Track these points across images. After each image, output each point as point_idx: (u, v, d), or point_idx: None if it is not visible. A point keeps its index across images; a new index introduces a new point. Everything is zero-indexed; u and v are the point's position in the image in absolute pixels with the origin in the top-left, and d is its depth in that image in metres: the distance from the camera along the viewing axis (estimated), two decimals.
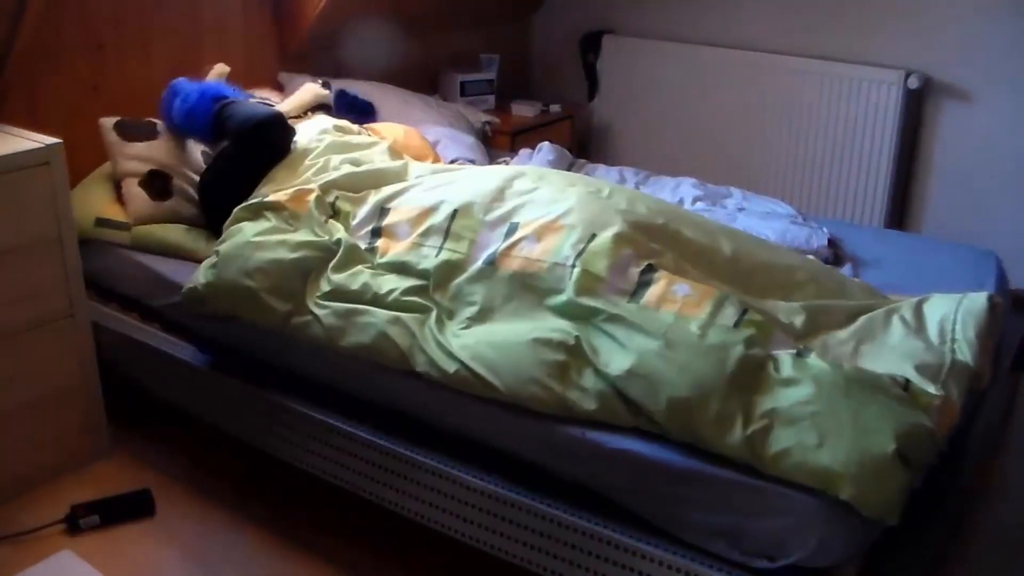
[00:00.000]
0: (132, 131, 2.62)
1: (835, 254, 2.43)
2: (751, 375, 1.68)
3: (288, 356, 2.15)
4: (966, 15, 3.13)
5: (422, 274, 2.04)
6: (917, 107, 3.31)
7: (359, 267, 2.10)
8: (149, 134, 2.64)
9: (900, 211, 3.46)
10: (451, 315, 1.97)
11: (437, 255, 2.05)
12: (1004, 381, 2.29)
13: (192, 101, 2.53)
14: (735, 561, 1.59)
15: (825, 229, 2.51)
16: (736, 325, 1.76)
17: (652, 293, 1.85)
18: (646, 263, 1.92)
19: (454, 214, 2.11)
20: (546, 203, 2.08)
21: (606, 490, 1.72)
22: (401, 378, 1.93)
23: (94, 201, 2.60)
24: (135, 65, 2.84)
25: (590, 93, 4.09)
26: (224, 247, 2.18)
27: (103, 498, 2.24)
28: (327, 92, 2.86)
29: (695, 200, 2.73)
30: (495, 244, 2.03)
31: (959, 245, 2.53)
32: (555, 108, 3.89)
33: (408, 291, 2.00)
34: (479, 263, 2.00)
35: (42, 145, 2.22)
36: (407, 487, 1.94)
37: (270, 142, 2.46)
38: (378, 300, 2.00)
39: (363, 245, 2.17)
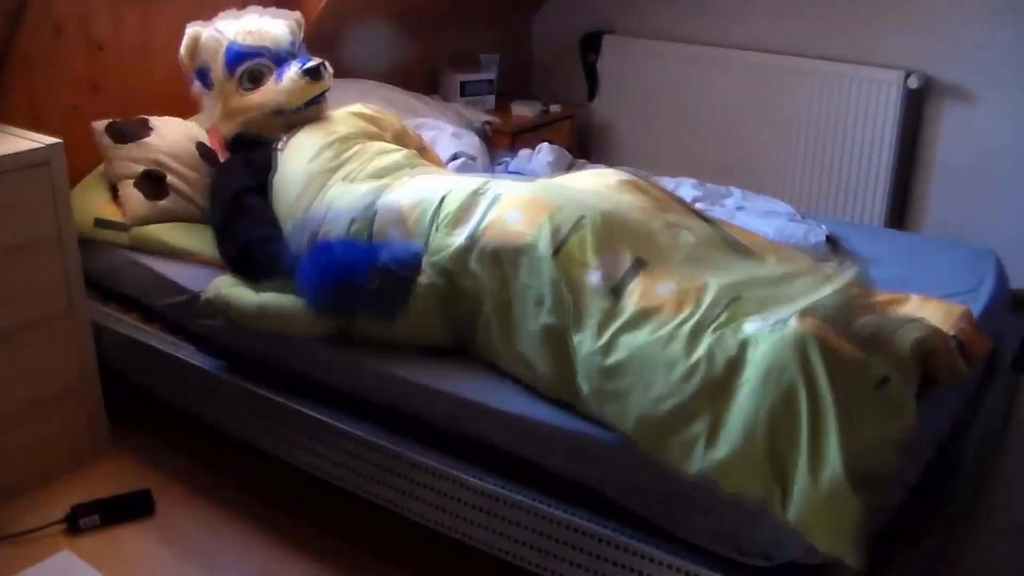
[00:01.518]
0: (124, 133, 2.62)
1: (834, 252, 2.43)
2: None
3: (288, 356, 2.15)
4: (966, 15, 3.13)
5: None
6: (917, 107, 3.31)
7: None
8: (140, 134, 2.64)
9: (900, 210, 3.46)
10: None
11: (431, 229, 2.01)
12: (1004, 381, 2.29)
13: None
14: (734, 560, 1.59)
15: (823, 226, 2.52)
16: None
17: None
18: None
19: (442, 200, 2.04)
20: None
21: (604, 489, 1.72)
22: (401, 379, 1.93)
23: (93, 202, 2.60)
24: (135, 65, 2.84)
25: (590, 93, 4.09)
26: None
27: (103, 498, 2.24)
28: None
29: (695, 200, 2.73)
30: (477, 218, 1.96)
31: (959, 244, 2.53)
32: (555, 108, 3.89)
33: None
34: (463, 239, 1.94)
35: (42, 145, 2.22)
36: (407, 487, 1.94)
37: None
38: None
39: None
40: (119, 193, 2.59)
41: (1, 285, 2.19)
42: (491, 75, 3.83)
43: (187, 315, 2.32)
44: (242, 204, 2.27)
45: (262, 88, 2.41)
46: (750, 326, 1.62)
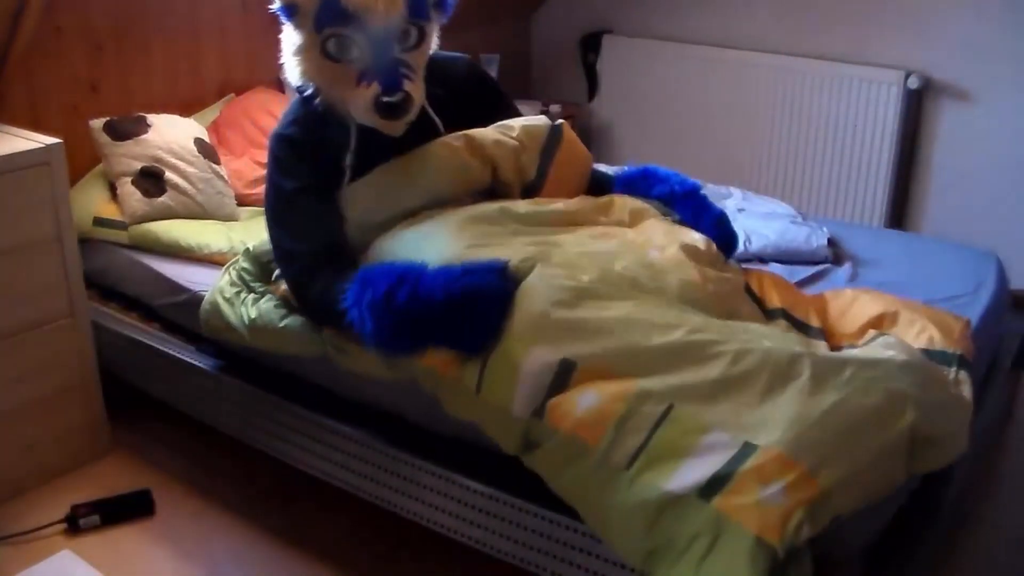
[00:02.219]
0: (121, 130, 2.62)
1: (835, 254, 2.43)
2: None
3: (288, 358, 2.15)
4: (966, 15, 3.13)
5: None
6: (917, 107, 3.31)
7: None
8: (138, 131, 2.64)
9: (900, 211, 3.46)
10: None
11: None
12: (1004, 381, 2.29)
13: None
14: None
15: (825, 229, 2.51)
16: None
17: None
18: None
19: None
20: None
21: None
22: (398, 382, 1.93)
23: (92, 201, 2.61)
24: (135, 65, 2.84)
25: (590, 93, 4.09)
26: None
27: (103, 498, 2.24)
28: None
29: None
30: None
31: (959, 245, 2.53)
32: (555, 108, 3.89)
33: None
34: None
35: (42, 145, 2.22)
36: (407, 488, 1.94)
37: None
38: None
39: None
40: (117, 191, 2.59)
41: (1, 285, 2.19)
42: (491, 75, 3.83)
43: (186, 315, 2.32)
44: (298, 205, 1.94)
45: (342, 66, 1.88)
46: (677, 479, 1.43)
